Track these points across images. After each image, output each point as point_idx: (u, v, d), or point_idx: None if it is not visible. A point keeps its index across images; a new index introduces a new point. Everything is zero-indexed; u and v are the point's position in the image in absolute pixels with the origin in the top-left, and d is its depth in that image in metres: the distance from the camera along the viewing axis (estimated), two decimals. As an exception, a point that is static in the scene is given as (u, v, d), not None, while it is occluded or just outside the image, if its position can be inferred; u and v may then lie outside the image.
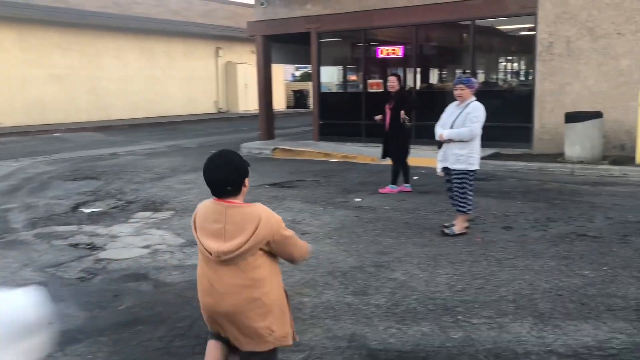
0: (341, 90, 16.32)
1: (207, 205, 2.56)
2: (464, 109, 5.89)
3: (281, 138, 15.57)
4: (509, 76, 14.81)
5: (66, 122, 22.09)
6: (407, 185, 8.51)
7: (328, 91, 15.54)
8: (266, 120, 15.19)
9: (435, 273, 4.88)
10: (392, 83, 8.42)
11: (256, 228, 2.43)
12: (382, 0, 12.83)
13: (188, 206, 7.72)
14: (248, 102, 29.31)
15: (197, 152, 14.24)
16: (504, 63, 15.04)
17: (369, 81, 13.83)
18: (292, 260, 2.65)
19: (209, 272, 2.53)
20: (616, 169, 9.33)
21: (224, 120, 25.75)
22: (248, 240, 2.42)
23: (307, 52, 14.21)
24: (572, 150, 9.98)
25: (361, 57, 13.84)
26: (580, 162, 9.82)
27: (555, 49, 11.08)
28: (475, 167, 5.93)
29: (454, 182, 6.00)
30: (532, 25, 11.39)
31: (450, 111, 6.11)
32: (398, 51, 13.19)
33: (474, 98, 5.94)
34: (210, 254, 2.47)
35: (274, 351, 2.61)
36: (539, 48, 11.26)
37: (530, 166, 10.03)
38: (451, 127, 5.95)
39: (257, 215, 2.46)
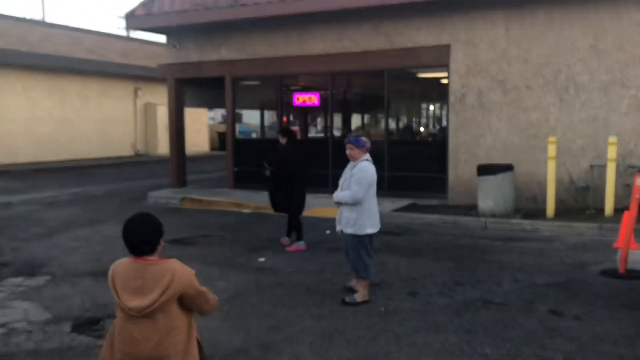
0: (258, 137, 15.86)
1: (125, 265, 2.78)
2: (352, 169, 5.61)
3: (194, 185, 14.83)
4: (425, 125, 14.89)
5: (-37, 166, 20.39)
6: (301, 243, 7.95)
7: (243, 137, 15.05)
8: (177, 167, 14.44)
9: (327, 356, 4.34)
10: (280, 139, 8.03)
11: (170, 282, 2.68)
12: (298, 47, 12.59)
13: (69, 270, 6.89)
14: (168, 144, 28.28)
15: (101, 201, 13.26)
16: (420, 111, 15.13)
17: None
18: (201, 312, 2.91)
19: (129, 325, 2.70)
20: (527, 224, 9.25)
21: (140, 164, 24.65)
22: (163, 293, 2.65)
23: (223, 96, 13.70)
24: (485, 203, 9.87)
25: (277, 103, 13.47)
26: (493, 215, 9.71)
27: (468, 100, 11.12)
28: (366, 231, 5.52)
29: (348, 245, 5.67)
30: (446, 75, 11.42)
31: (345, 171, 5.79)
32: (314, 98, 12.92)
33: (365, 157, 5.61)
34: (130, 310, 2.65)
35: None
36: (452, 99, 11.26)
37: (445, 219, 9.82)
38: (342, 189, 5.62)
39: (171, 270, 2.72)
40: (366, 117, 15.10)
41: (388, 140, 12.23)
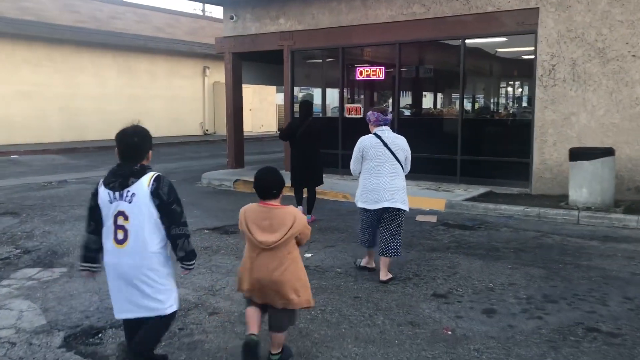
0: (319, 115, 14.75)
1: (254, 208, 3.54)
2: None
3: (254, 166, 13.94)
4: (505, 103, 13.24)
5: (35, 143, 20.62)
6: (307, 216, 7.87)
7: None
8: (235, 147, 13.61)
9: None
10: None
11: (293, 224, 3.45)
12: (362, 15, 11.33)
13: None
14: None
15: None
16: (500, 85, 13.46)
17: (347, 105, 12.26)
18: (299, 245, 3.61)
19: (257, 256, 3.47)
20: (632, 220, 7.67)
21: (207, 143, 24.25)
22: (287, 232, 3.43)
23: (281, 72, 12.69)
24: (578, 193, 8.33)
25: (339, 78, 12.28)
26: (588, 208, 8.17)
27: (559, 72, 9.50)
28: (358, 204, 5.53)
29: None
30: (532, 43, 9.82)
31: None
32: (379, 72, 11.63)
33: (374, 131, 5.50)
34: (260, 243, 3.43)
35: (296, 311, 3.61)
36: (539, 71, 9.68)
37: (528, 212, 8.37)
38: None
39: (293, 214, 3.49)
40: (437, 92, 13.61)
41: (462, 120, 10.80)
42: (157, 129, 25.86)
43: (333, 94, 12.97)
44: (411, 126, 11.66)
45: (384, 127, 5.46)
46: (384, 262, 5.36)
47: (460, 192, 9.80)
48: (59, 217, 8.58)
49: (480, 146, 10.83)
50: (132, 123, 3.36)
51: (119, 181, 3.19)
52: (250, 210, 3.53)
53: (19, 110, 20.53)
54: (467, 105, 11.87)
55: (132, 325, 3.32)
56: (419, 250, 6.57)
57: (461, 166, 10.71)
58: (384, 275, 5.31)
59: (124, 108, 23.89)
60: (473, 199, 9.27)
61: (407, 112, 12.71)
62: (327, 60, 13.24)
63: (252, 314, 3.53)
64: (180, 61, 26.47)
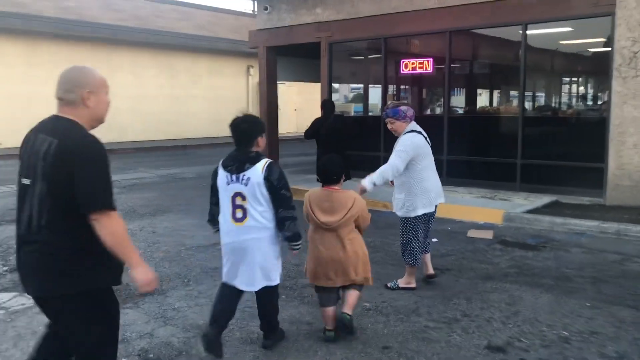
0: (360, 113, 13.58)
1: (318, 192, 3.93)
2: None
3: (291, 169, 12.89)
4: (573, 99, 11.68)
5: (74, 144, 20.27)
6: None
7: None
8: (268, 149, 12.59)
9: None
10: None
11: (352, 206, 3.81)
12: (408, 1, 10.10)
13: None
14: (281, 124, 27.24)
15: (185, 185, 11.88)
16: (567, 80, 11.91)
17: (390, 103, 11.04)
18: (360, 229, 3.97)
19: (320, 236, 3.87)
20: None
21: (248, 144, 23.43)
22: (347, 213, 3.79)
23: (318, 68, 11.60)
24: (668, 206, 6.87)
25: (381, 73, 11.07)
26: (681, 224, 6.71)
27: (641, 62, 8.02)
28: (417, 212, 4.94)
29: (400, 228, 5.11)
30: (608, 28, 8.37)
31: None
32: (427, 65, 10.36)
33: (409, 128, 4.98)
34: (322, 224, 3.80)
35: (361, 286, 3.99)
36: (617, 60, 8.21)
37: (605, 228, 6.97)
38: None
39: (353, 197, 3.86)
40: (493, 87, 12.18)
41: (523, 118, 9.42)
42: (198, 130, 25.43)
43: (377, 92, 11.79)
44: (464, 126, 10.37)
45: (415, 123, 5.08)
46: (428, 258, 5.24)
47: (521, 202, 8.45)
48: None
49: (544, 148, 9.41)
50: (242, 112, 3.71)
51: (236, 165, 3.55)
52: (314, 194, 3.94)
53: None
54: (529, 96, 10.45)
55: (230, 294, 3.68)
56: (470, 278, 5.34)
57: (521, 171, 9.34)
58: (431, 269, 5.23)
59: (163, 109, 23.40)
60: (536, 210, 7.91)
61: (459, 111, 11.37)
62: (369, 53, 12.06)
63: (328, 313, 3.92)
64: (222, 60, 25.81)
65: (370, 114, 12.81)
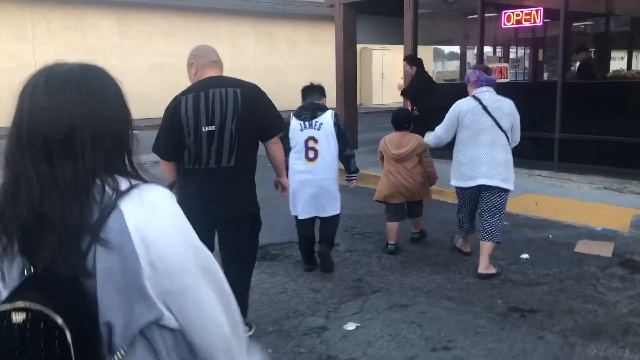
0: (448, 80, 11.40)
1: (392, 135, 5.19)
2: None
3: (368, 147, 11.02)
4: None
5: (168, 117, 20.02)
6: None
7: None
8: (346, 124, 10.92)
9: None
10: (405, 68, 8.13)
11: (415, 143, 5.03)
12: None
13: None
14: (384, 94, 25.56)
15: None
16: None
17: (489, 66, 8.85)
18: (427, 174, 5.17)
19: (393, 167, 5.05)
20: None
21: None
22: (411, 148, 5.00)
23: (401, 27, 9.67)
24: None
25: (477, 30, 8.86)
26: None
27: None
28: (451, 182, 4.83)
29: None
30: None
31: None
32: (536, 16, 8.01)
33: (473, 92, 4.65)
34: (394, 155, 5.01)
35: (422, 202, 5.29)
36: None
37: None
38: None
39: (416, 138, 5.09)
40: (628, 46, 9.50)
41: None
42: (298, 101, 24.25)
43: (472, 53, 9.64)
44: (585, 95, 7.98)
45: (484, 89, 4.64)
46: (483, 249, 4.58)
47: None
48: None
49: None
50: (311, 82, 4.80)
51: (309, 113, 4.55)
52: (389, 137, 5.19)
53: (154, 83, 19.95)
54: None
55: (307, 224, 4.66)
56: (563, 332, 3.43)
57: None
58: (484, 268, 4.53)
59: (261, 81, 22.33)
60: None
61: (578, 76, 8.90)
62: (461, 7, 9.89)
63: (392, 228, 5.11)
64: (323, 27, 24.29)
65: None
